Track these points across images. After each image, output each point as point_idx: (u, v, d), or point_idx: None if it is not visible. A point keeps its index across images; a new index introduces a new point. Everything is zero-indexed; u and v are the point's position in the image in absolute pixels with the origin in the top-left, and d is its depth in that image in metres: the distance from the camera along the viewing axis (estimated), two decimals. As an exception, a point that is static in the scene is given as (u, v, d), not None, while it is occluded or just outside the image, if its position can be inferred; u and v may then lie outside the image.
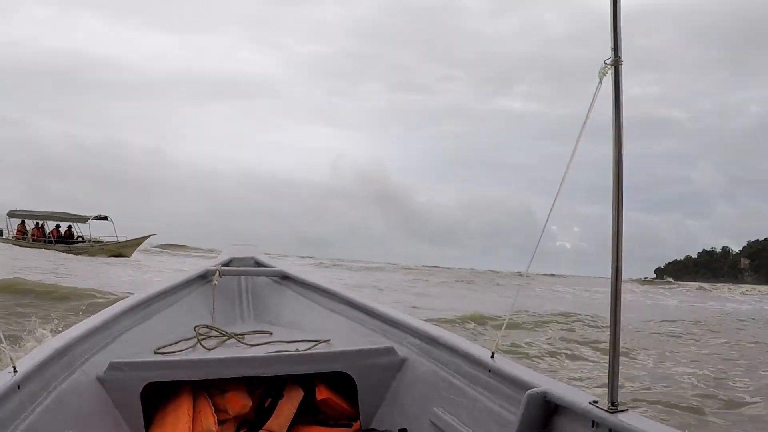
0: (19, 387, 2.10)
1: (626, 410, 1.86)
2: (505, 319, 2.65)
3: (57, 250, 32.44)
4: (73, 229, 37.05)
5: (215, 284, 4.09)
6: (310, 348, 3.30)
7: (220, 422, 2.79)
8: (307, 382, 3.09)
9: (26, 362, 2.25)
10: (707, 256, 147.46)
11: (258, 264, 4.64)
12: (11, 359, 2.14)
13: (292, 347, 3.34)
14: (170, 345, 3.30)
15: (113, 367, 2.74)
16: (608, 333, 1.90)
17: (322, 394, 3.05)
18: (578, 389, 2.17)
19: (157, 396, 2.88)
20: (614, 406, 1.86)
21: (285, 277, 4.46)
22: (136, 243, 35.67)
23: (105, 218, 36.89)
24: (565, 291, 28.46)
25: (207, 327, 3.60)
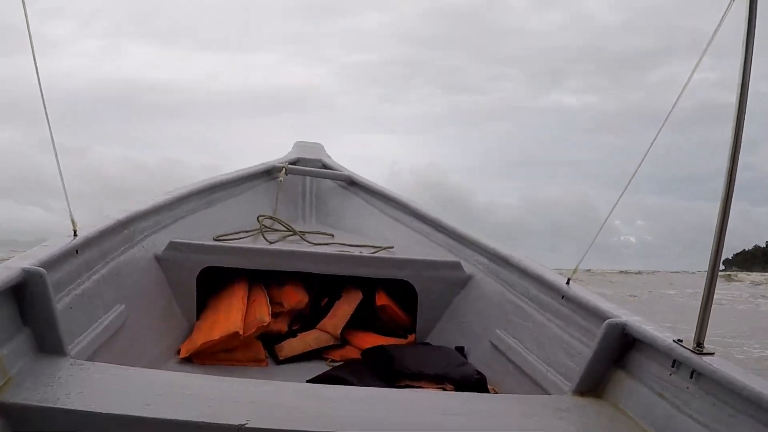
0: (77, 252, 2.04)
1: (713, 353, 1.67)
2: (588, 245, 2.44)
3: None
4: None
5: (281, 181, 3.99)
6: (373, 253, 3.19)
7: (274, 314, 2.72)
8: (368, 287, 2.99)
9: (87, 229, 2.19)
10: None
11: (325, 166, 4.51)
12: (72, 222, 2.07)
13: (355, 251, 3.24)
14: (231, 234, 3.24)
15: (172, 246, 2.69)
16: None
17: (381, 300, 2.95)
18: (660, 325, 1.97)
19: (213, 282, 2.83)
20: (700, 347, 1.67)
21: (352, 183, 4.33)
22: None
23: None
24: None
25: (271, 218, 3.52)
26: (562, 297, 2.30)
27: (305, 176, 4.37)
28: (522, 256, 2.76)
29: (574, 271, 2.36)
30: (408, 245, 3.46)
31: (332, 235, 3.67)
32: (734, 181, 1.67)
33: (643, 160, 2.02)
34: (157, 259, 2.66)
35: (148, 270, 2.59)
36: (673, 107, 1.98)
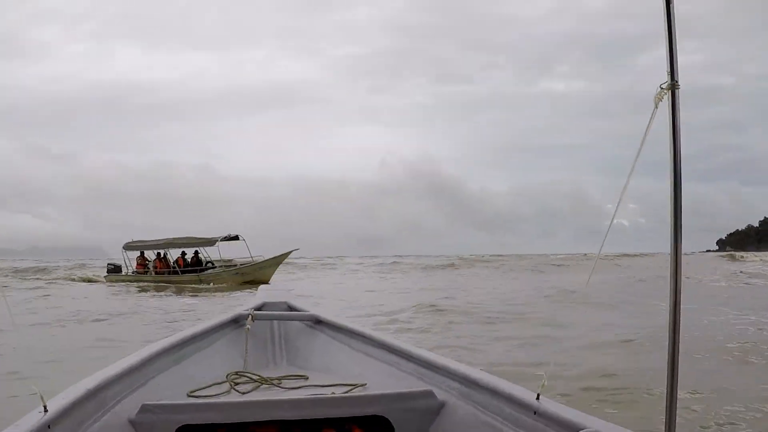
0: (49, 427, 2.04)
1: None
2: (549, 365, 2.53)
3: (184, 282, 28.29)
4: (200, 255, 31.36)
5: (248, 329, 4.04)
6: (346, 392, 3.21)
7: None
8: (343, 426, 2.99)
9: (57, 402, 2.20)
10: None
11: (291, 308, 4.58)
12: (41, 398, 2.09)
13: (327, 391, 3.25)
14: (203, 389, 3.24)
15: (145, 409, 2.68)
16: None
17: None
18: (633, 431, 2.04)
19: None
20: None
21: (318, 321, 4.39)
22: (276, 262, 29.52)
23: (236, 238, 30.81)
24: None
25: (239, 373, 3.53)
26: (534, 413, 2.36)
27: (272, 320, 4.42)
28: (491, 377, 2.83)
29: (542, 385, 2.43)
30: (380, 378, 3.48)
31: (306, 377, 3.68)
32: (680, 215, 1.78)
33: (639, 152, 2.04)
34: (131, 423, 2.64)
35: None
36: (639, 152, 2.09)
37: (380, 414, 2.94)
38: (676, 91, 1.76)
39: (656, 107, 1.83)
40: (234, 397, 3.17)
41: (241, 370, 3.62)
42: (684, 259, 1.82)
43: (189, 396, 3.11)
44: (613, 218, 2.23)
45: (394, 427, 2.93)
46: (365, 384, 3.40)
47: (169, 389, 3.08)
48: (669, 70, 1.76)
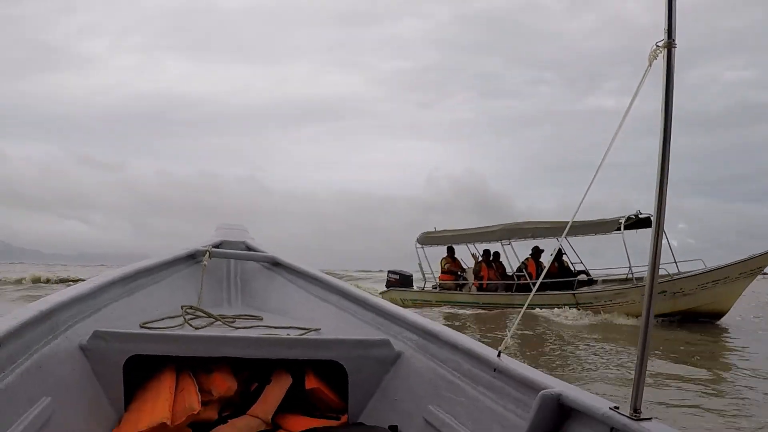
0: None
1: (650, 419, 1.72)
2: (514, 319, 2.52)
3: (548, 304, 15.34)
4: (564, 257, 17.51)
5: (205, 265, 3.98)
6: (300, 335, 3.20)
7: (204, 403, 2.66)
8: (296, 369, 2.98)
9: (6, 322, 2.13)
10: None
11: (249, 248, 4.53)
12: None
13: (281, 333, 3.24)
14: (156, 321, 3.19)
15: (97, 335, 2.63)
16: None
17: (311, 383, 2.93)
18: (595, 394, 2.04)
19: (140, 371, 2.76)
20: (637, 413, 1.72)
21: (276, 264, 4.36)
22: (749, 269, 14.60)
23: (644, 220, 15.90)
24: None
25: (193, 308, 3.48)
26: (494, 369, 2.35)
27: (229, 259, 4.36)
28: (451, 332, 2.84)
29: (504, 343, 2.43)
30: (336, 325, 3.48)
31: (260, 318, 3.66)
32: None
33: (627, 111, 2.03)
34: (82, 349, 2.59)
35: (72, 361, 2.50)
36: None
37: (335, 359, 2.93)
38: (673, 50, 1.74)
39: (650, 65, 1.81)
40: (187, 331, 3.13)
41: (195, 305, 3.58)
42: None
43: (141, 327, 3.06)
44: (590, 184, 2.21)
45: (348, 374, 2.93)
46: (319, 329, 3.40)
47: (122, 319, 3.03)
48: (666, 27, 1.74)
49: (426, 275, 19.78)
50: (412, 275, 20.04)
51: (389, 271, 20.49)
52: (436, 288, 19.26)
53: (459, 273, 19.10)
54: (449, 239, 19.34)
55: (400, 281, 19.90)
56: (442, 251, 19.60)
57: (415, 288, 20.00)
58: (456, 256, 19.30)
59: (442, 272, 19.20)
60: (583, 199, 2.22)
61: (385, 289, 20.05)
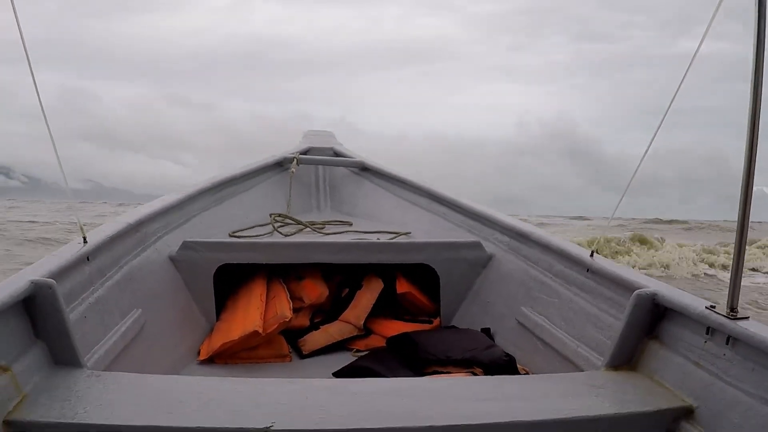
0: (88, 259, 2.00)
1: (747, 318, 1.62)
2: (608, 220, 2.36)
3: None
4: None
5: (293, 172, 3.94)
6: (391, 239, 3.13)
7: (295, 310, 2.67)
8: (388, 274, 2.94)
9: (96, 234, 2.15)
10: None
11: (336, 154, 4.45)
12: (81, 229, 2.03)
13: (371, 237, 3.19)
14: (245, 229, 3.20)
15: (186, 246, 2.65)
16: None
17: (402, 287, 2.89)
18: (690, 293, 1.91)
19: (230, 280, 2.78)
20: (734, 312, 1.62)
21: (364, 168, 4.28)
22: None
23: None
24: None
25: (282, 216, 3.47)
26: (587, 270, 2.24)
27: (317, 165, 4.32)
28: (543, 232, 2.69)
29: (597, 242, 2.30)
30: (426, 228, 3.40)
31: (350, 223, 3.62)
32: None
33: (699, 47, 1.91)
34: (172, 260, 2.62)
35: (163, 272, 2.54)
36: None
37: (426, 262, 2.87)
38: None
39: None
40: (276, 238, 3.13)
41: (284, 213, 3.57)
42: None
43: (231, 236, 3.07)
44: (639, 165, 2.07)
45: (440, 276, 2.86)
46: (410, 233, 3.33)
47: (211, 228, 3.04)
48: None
49: None
50: None
51: None
52: None
53: None
54: None
55: None
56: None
57: None
58: None
59: None
60: (647, 150, 2.00)
61: None
